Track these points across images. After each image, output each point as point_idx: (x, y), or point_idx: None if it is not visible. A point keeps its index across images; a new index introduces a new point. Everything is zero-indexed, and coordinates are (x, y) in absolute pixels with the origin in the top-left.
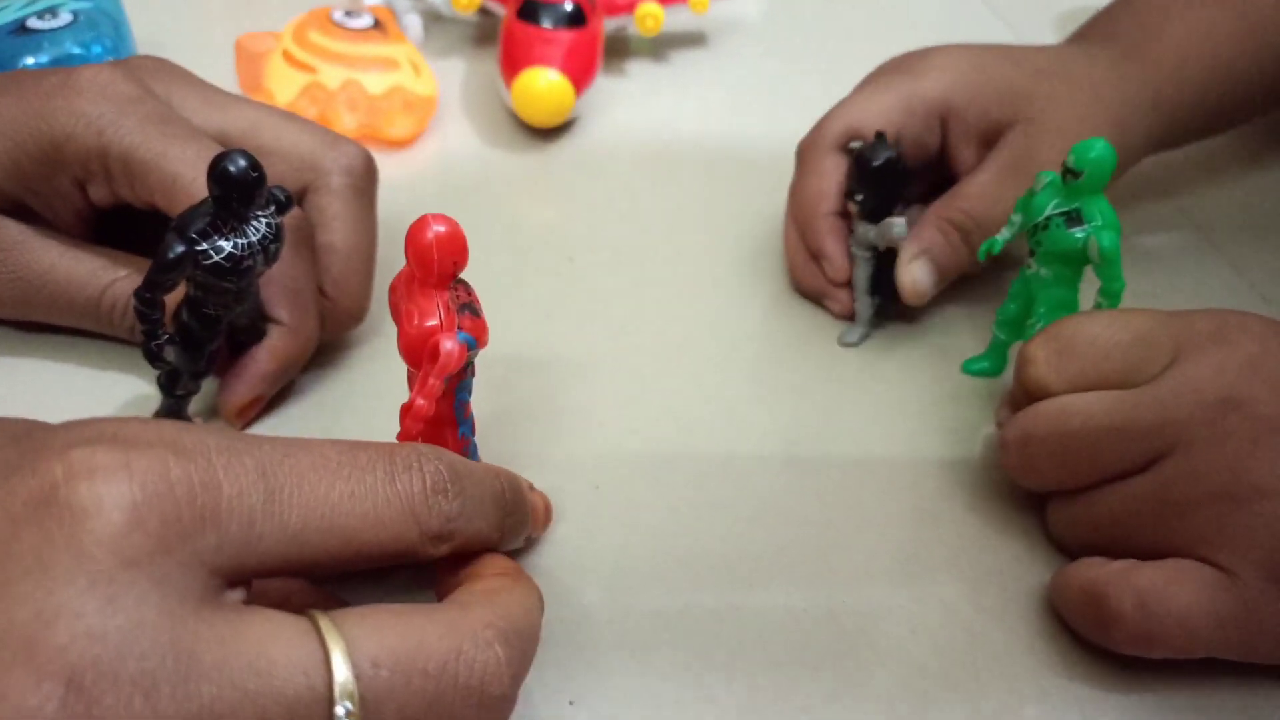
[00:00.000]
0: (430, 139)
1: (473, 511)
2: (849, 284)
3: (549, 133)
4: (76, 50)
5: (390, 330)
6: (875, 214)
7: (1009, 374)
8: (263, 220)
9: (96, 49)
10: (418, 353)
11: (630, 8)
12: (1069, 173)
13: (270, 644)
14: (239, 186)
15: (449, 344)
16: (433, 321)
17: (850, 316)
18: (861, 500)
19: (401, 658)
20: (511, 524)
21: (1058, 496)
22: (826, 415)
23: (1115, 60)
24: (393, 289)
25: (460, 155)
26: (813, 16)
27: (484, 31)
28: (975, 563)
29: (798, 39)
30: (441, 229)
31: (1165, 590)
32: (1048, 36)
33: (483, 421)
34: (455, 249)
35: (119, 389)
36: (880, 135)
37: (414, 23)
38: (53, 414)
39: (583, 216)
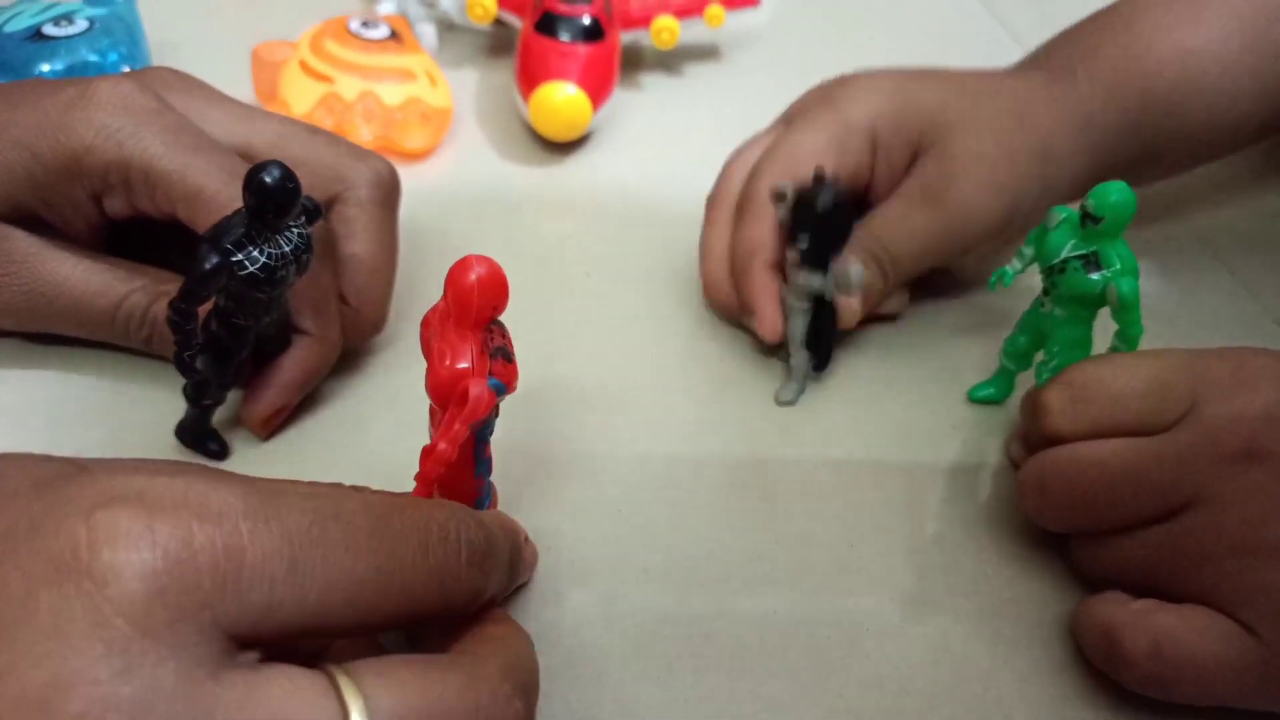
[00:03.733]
0: (445, 151)
1: (494, 580)
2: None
3: (564, 145)
4: (92, 57)
5: (406, 341)
6: (819, 260)
7: (1016, 397)
8: (294, 230)
9: (112, 56)
10: (446, 394)
11: (645, 21)
12: (1088, 218)
13: (288, 704)
14: (276, 198)
15: (478, 390)
16: (464, 364)
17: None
18: (885, 523)
19: (422, 715)
20: (511, 583)
21: (1080, 535)
22: (845, 436)
23: (1046, 81)
24: (425, 323)
25: (475, 168)
26: (823, 29)
27: (498, 41)
28: (997, 590)
29: (809, 51)
30: (483, 271)
31: (1181, 637)
32: None
33: (501, 441)
34: (496, 292)
35: (137, 401)
36: (820, 174)
37: (428, 32)
38: (71, 427)
39: (599, 231)
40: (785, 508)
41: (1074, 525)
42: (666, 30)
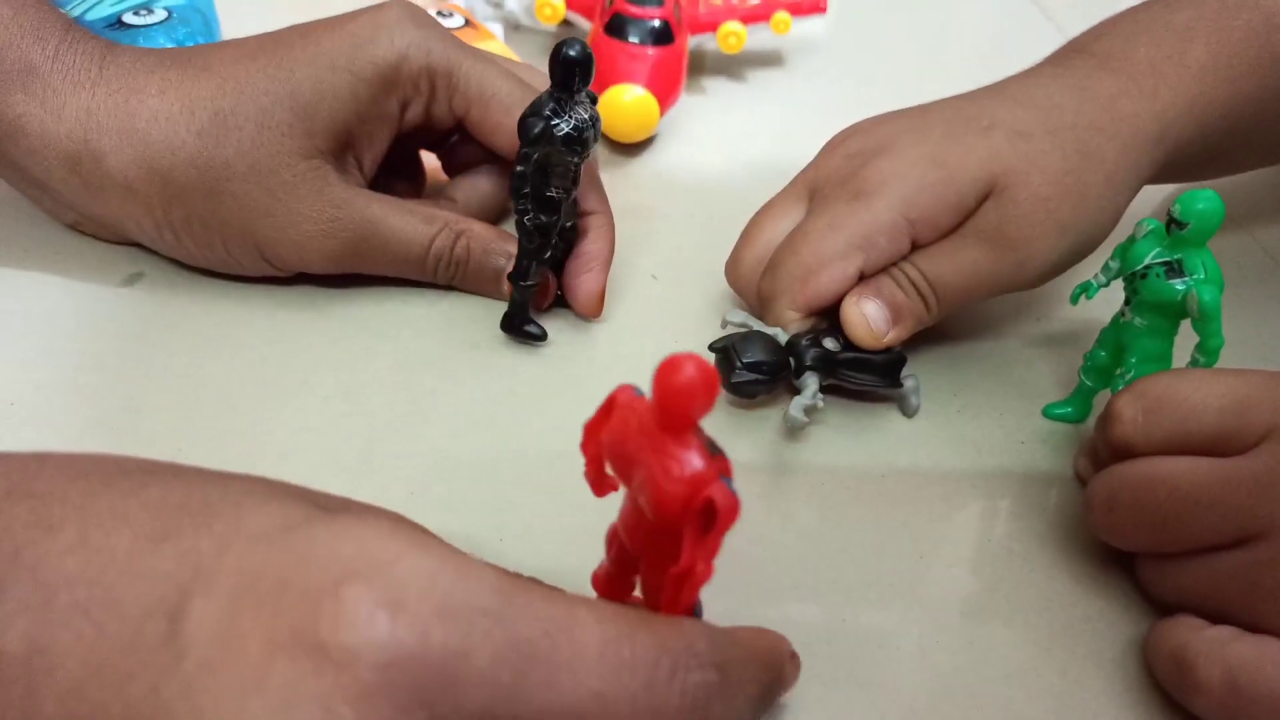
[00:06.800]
0: None
1: (726, 716)
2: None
3: (628, 147)
4: (170, 46)
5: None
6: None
7: (1092, 418)
8: (586, 105)
9: (189, 45)
10: (682, 509)
11: (713, 26)
12: (1173, 223)
13: None
14: (580, 66)
15: (725, 496)
16: (696, 471)
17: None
18: (954, 536)
19: None
20: (763, 710)
21: (1148, 555)
22: (914, 446)
23: (1115, 96)
24: (607, 435)
25: None
26: (885, 35)
27: None
28: (1068, 608)
29: (871, 58)
30: (699, 366)
31: (1258, 668)
32: None
33: (569, 445)
34: (713, 389)
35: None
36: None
37: (495, 30)
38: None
39: (665, 233)
40: (853, 517)
41: (1142, 544)
42: (734, 35)
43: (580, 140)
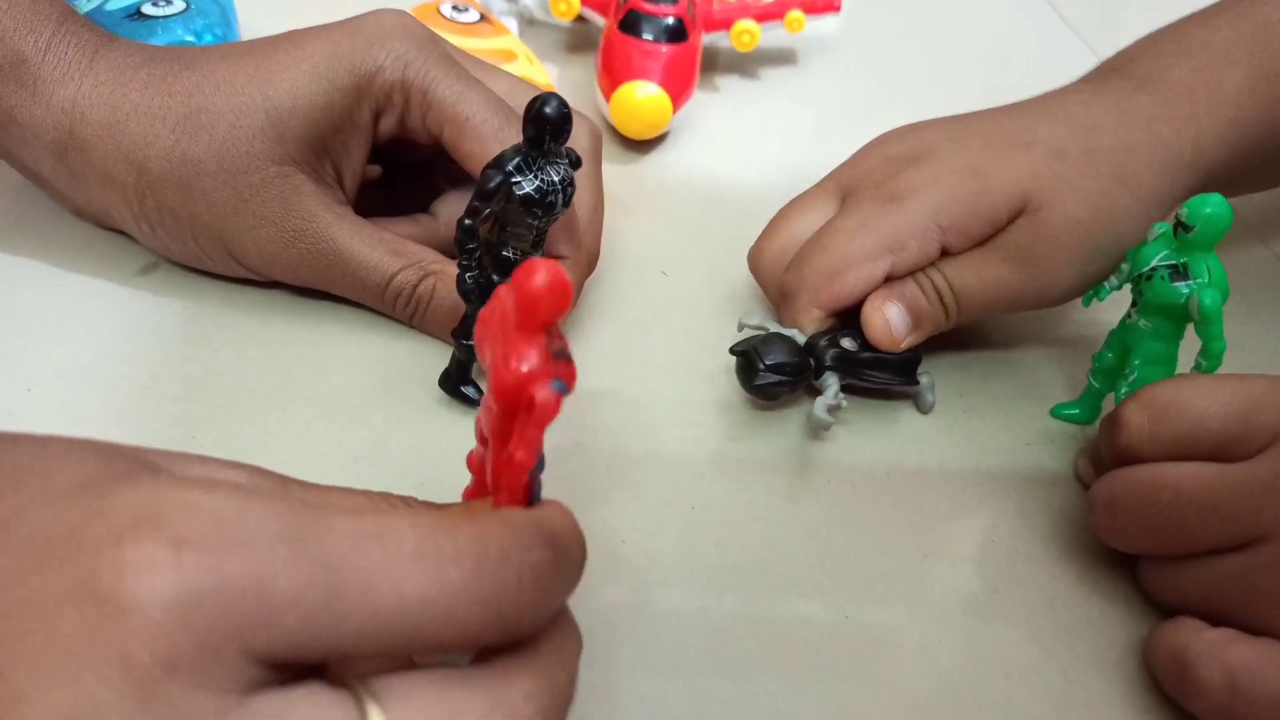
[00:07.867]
0: None
1: (563, 595)
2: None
3: (640, 144)
4: (188, 37)
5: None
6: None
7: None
8: (561, 167)
9: (208, 37)
10: (514, 400)
11: (727, 24)
12: (1180, 226)
13: None
14: (554, 124)
15: (545, 395)
16: (530, 367)
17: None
18: (958, 535)
19: None
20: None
21: (1149, 557)
22: (920, 445)
23: (1152, 120)
24: (482, 321)
25: None
26: (898, 36)
27: (577, 38)
28: (1071, 608)
29: (884, 58)
30: (552, 275)
31: (1258, 670)
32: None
33: (579, 436)
34: (563, 297)
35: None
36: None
37: (510, 25)
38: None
39: (675, 231)
40: (859, 513)
41: (1144, 547)
42: (747, 33)
43: (542, 204)
